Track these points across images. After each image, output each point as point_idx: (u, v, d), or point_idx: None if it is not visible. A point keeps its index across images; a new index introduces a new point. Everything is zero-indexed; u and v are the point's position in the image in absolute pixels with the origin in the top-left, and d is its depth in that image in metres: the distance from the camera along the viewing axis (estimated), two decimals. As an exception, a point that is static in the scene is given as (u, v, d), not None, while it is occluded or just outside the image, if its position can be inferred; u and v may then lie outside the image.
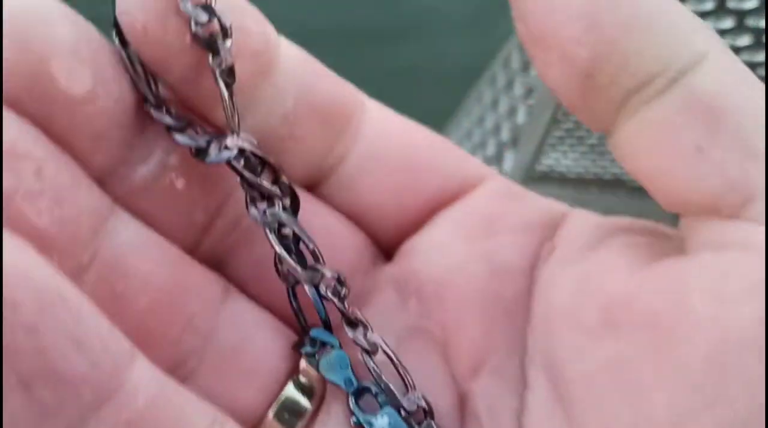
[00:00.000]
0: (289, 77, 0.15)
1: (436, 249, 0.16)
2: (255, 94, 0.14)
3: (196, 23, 0.13)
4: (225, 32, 0.13)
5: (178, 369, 0.14)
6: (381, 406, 0.15)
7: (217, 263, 0.15)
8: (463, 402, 0.15)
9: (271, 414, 0.15)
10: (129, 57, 0.13)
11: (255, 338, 0.15)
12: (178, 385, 0.13)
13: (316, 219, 0.16)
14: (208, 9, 0.13)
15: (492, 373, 0.15)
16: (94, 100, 0.13)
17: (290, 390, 0.15)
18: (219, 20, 0.13)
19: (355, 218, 0.16)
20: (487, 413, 0.14)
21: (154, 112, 0.13)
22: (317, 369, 0.15)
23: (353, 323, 0.15)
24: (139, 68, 0.13)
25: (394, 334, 0.15)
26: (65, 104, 0.12)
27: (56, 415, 0.11)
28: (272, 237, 0.14)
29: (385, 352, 0.15)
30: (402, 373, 0.15)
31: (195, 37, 0.13)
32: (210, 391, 0.14)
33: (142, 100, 0.14)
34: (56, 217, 0.12)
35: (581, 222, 0.15)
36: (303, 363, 0.15)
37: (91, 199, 0.13)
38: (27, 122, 0.12)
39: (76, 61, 0.12)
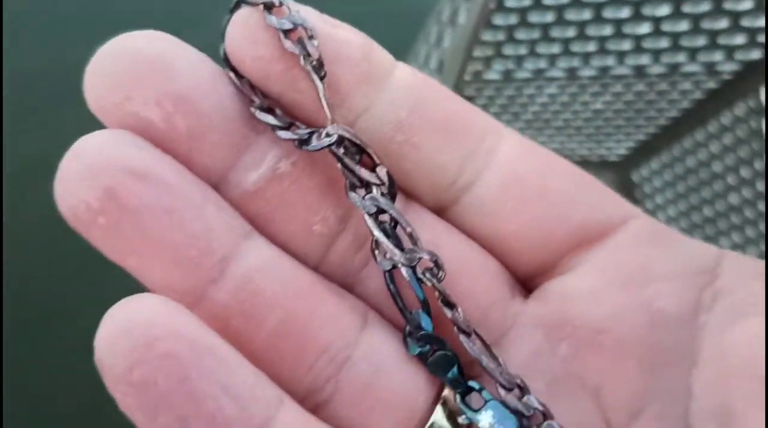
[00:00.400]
0: (404, 91, 0.15)
1: (590, 296, 0.15)
2: (366, 101, 0.15)
3: (283, 32, 0.14)
4: (310, 35, 0.15)
5: (314, 396, 0.14)
6: (485, 402, 0.15)
7: (348, 282, 0.16)
8: None
9: None
10: (236, 74, 0.15)
11: (393, 370, 0.15)
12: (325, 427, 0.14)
13: (449, 244, 0.16)
14: (291, 18, 0.14)
15: (652, 419, 0.15)
16: (188, 103, 0.14)
17: (437, 416, 0.15)
18: (302, 25, 0.15)
19: (488, 246, 0.16)
20: None
21: (259, 114, 0.15)
22: (428, 368, 0.15)
23: (451, 304, 0.15)
24: (245, 81, 0.15)
25: (543, 377, 0.15)
26: (163, 107, 0.14)
27: None
28: (370, 222, 0.15)
29: (477, 335, 0.15)
30: (492, 354, 0.15)
31: (285, 44, 0.14)
32: (345, 422, 0.14)
33: (247, 109, 0.15)
34: (188, 233, 0.14)
35: (741, 268, 0.15)
36: (446, 391, 0.15)
37: (221, 218, 0.14)
38: (152, 147, 0.14)
39: (172, 68, 0.14)
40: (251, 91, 0.15)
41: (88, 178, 0.13)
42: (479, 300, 0.15)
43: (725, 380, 0.14)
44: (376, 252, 0.15)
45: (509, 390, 0.15)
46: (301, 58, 0.14)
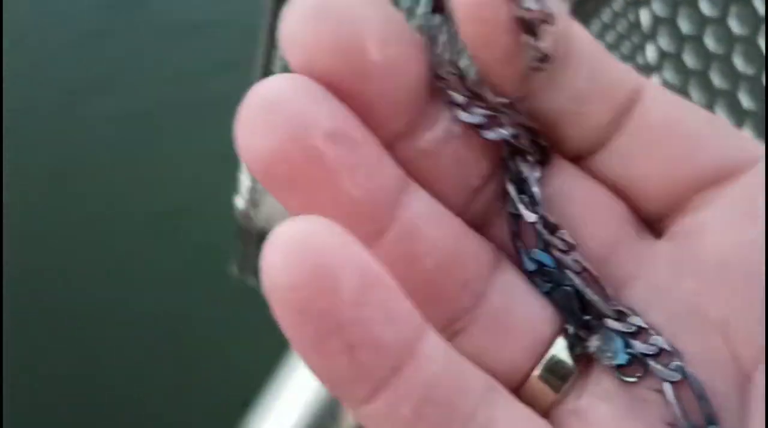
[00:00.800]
0: (582, 59, 0.16)
1: (717, 233, 0.16)
2: (553, 74, 0.15)
3: (525, 9, 0.14)
4: (547, 19, 0.14)
5: (452, 325, 0.16)
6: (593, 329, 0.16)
7: (486, 224, 0.16)
8: (746, 384, 0.15)
9: (536, 373, 0.16)
10: (445, 30, 0.15)
11: (522, 303, 0.16)
12: (459, 354, 0.15)
13: (576, 190, 0.16)
14: None
15: None
16: (397, 72, 0.15)
17: (558, 349, 0.16)
18: (545, 7, 0.14)
19: (616, 189, 0.16)
20: None
21: (443, 88, 0.15)
22: (552, 303, 0.16)
23: (552, 226, 0.16)
24: (442, 44, 0.15)
25: (666, 310, 0.16)
26: (373, 75, 0.14)
27: (370, 373, 0.13)
28: (512, 190, 0.16)
29: (590, 272, 0.16)
30: (601, 286, 0.16)
31: (521, 19, 0.14)
32: (478, 348, 0.15)
33: (434, 75, 0.15)
34: (367, 188, 0.14)
35: None
36: (567, 326, 0.16)
37: (392, 172, 0.15)
38: (341, 104, 0.14)
39: (383, 37, 0.14)
40: (444, 61, 0.15)
41: (263, 126, 0.14)
42: (605, 239, 0.16)
43: None
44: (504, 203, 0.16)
45: (611, 317, 0.16)
46: (528, 39, 0.14)
